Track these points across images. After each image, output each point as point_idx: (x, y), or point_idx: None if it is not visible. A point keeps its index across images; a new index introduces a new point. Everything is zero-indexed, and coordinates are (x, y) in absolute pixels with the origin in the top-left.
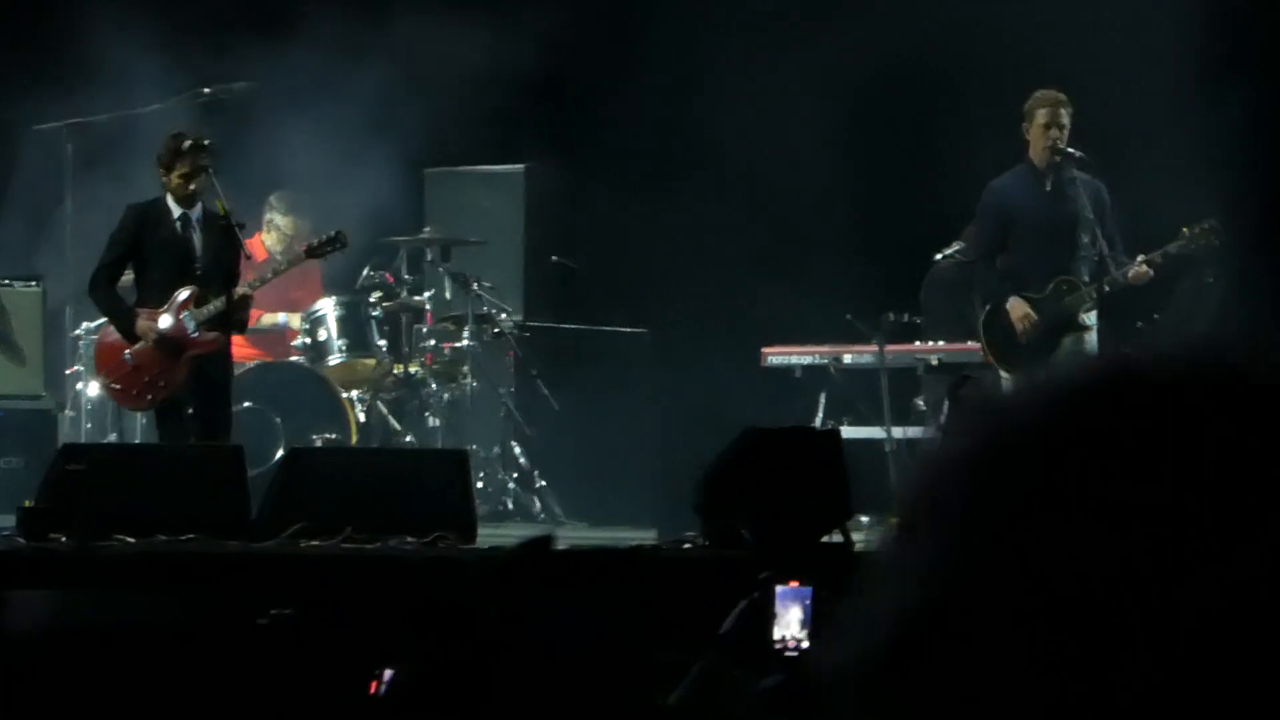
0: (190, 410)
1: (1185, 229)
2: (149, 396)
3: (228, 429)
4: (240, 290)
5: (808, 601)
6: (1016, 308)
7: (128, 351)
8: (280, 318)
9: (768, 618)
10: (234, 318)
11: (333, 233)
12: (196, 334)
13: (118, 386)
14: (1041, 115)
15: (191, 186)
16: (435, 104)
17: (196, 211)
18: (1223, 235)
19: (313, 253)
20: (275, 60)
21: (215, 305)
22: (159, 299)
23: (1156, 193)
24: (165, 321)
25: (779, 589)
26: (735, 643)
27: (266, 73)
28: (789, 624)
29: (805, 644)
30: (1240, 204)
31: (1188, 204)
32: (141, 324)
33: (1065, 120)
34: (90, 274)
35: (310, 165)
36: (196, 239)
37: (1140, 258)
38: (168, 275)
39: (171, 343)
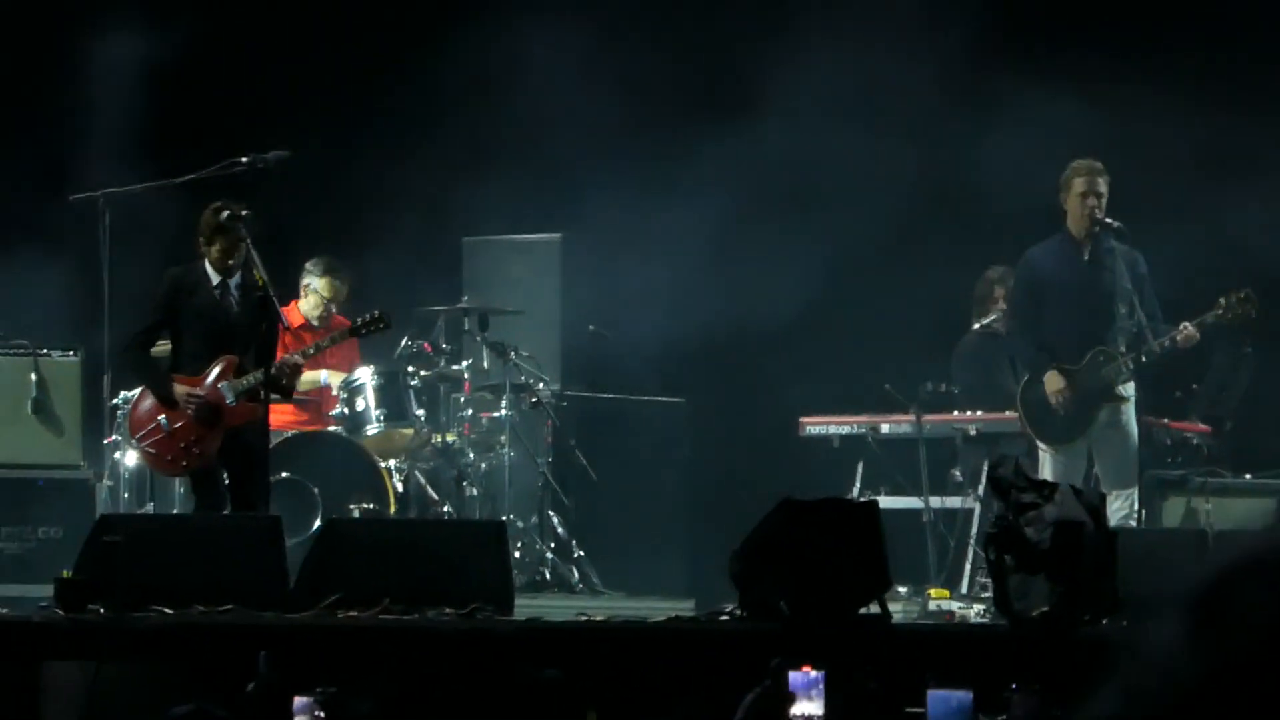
0: (227, 479)
1: (1222, 299)
2: (183, 462)
3: (265, 498)
4: (293, 357)
5: (820, 686)
6: (1052, 380)
7: (163, 416)
8: (322, 375)
9: (782, 701)
10: (283, 384)
11: (375, 313)
12: (234, 404)
13: (152, 451)
14: (1079, 184)
15: (230, 260)
16: (473, 173)
17: (235, 280)
18: (1259, 305)
19: (355, 332)
20: (311, 129)
21: (254, 377)
22: (194, 367)
23: (1193, 264)
24: (203, 389)
25: (792, 674)
26: None
27: (302, 142)
28: (805, 705)
29: None
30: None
31: (1223, 275)
32: (179, 390)
33: (1103, 189)
34: (125, 340)
35: (349, 234)
36: (234, 307)
37: (1185, 323)
38: (204, 343)
39: (209, 411)
